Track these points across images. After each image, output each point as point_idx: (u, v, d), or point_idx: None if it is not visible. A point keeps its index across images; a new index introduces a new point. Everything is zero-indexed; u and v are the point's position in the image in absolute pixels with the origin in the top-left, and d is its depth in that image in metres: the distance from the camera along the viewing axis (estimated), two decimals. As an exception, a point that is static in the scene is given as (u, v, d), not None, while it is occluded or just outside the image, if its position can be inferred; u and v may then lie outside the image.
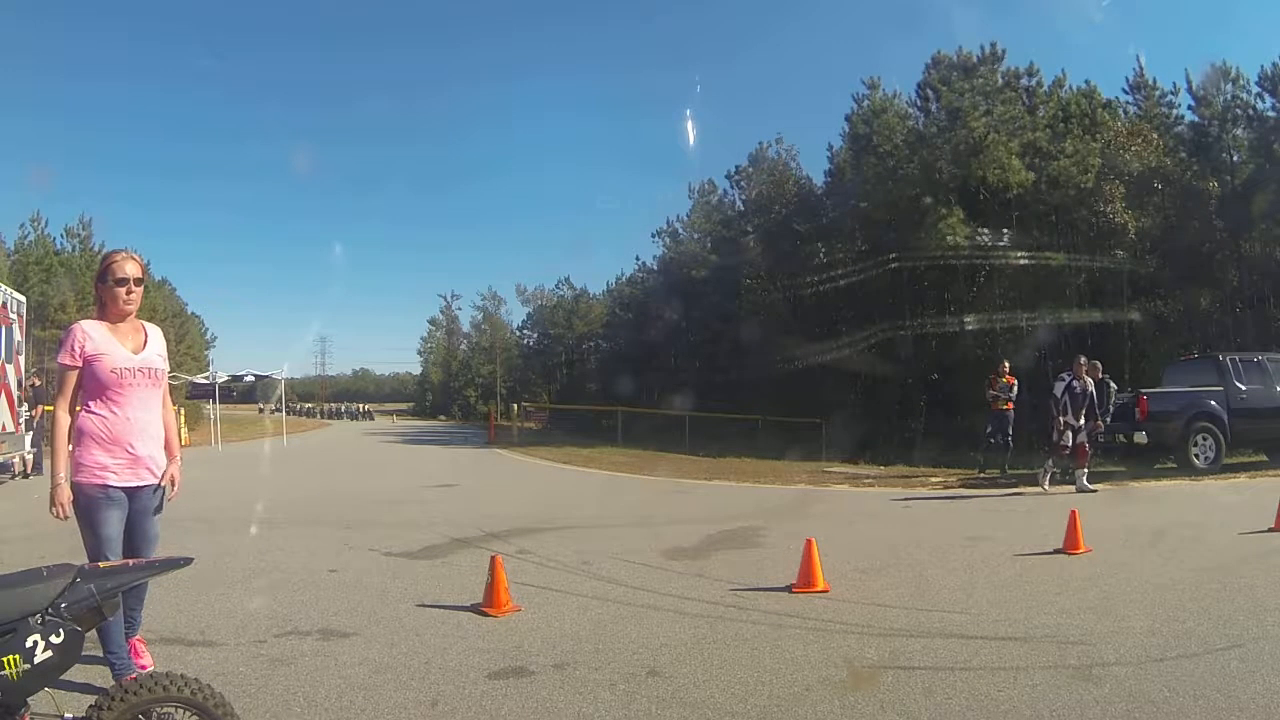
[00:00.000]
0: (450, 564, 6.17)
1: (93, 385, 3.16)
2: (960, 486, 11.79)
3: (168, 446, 3.37)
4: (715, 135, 57.28)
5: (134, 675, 2.95)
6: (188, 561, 2.82)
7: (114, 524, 3.14)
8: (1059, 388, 10.30)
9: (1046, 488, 10.22)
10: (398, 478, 14.25)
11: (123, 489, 3.16)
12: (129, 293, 3.21)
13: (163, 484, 3.29)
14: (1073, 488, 10.01)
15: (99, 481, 3.10)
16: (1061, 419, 10.07)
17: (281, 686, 3.41)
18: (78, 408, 3.20)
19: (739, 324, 26.44)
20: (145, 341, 3.28)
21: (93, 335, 3.17)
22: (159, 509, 3.31)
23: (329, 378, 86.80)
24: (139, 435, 3.19)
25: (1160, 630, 4.15)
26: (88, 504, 3.09)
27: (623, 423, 25.89)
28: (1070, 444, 10.13)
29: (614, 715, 3.17)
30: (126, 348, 3.20)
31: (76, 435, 3.15)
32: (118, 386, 3.15)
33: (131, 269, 3.22)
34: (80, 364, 3.13)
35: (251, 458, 18.74)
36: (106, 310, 3.24)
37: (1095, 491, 9.93)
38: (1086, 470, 10.22)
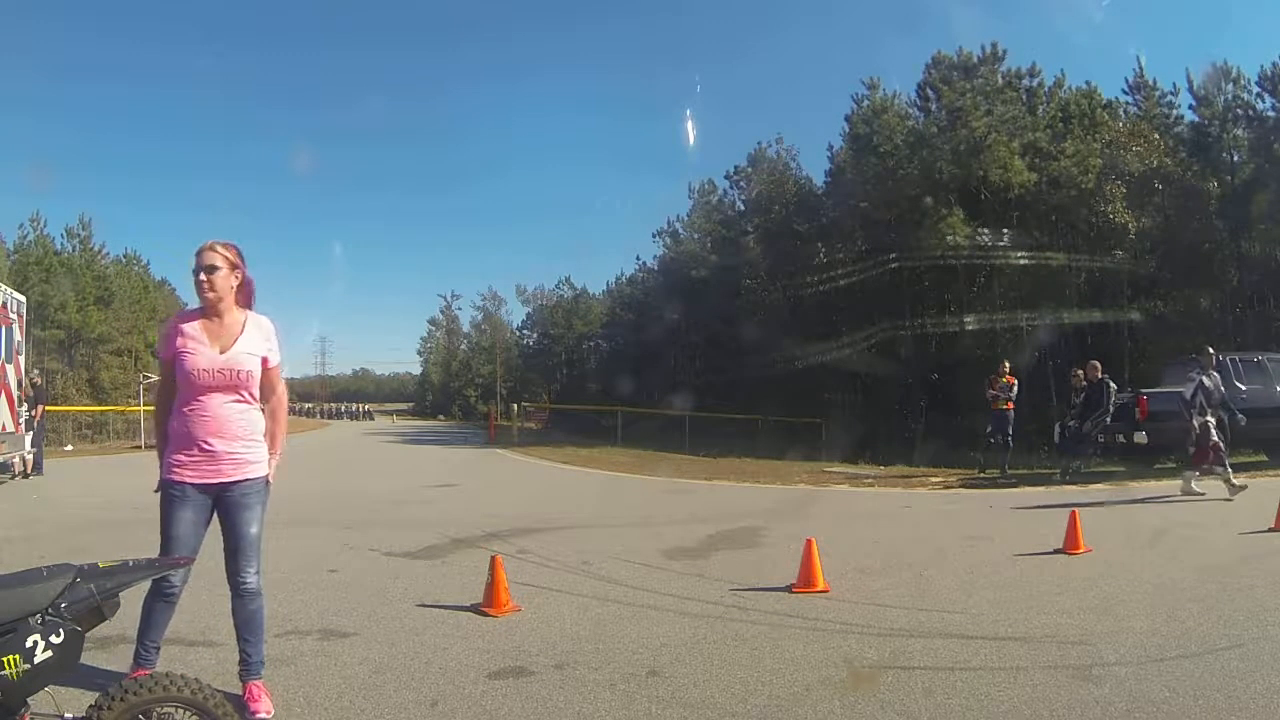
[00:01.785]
0: (450, 564, 6.17)
1: (178, 382, 3.16)
2: (960, 486, 11.79)
3: (271, 438, 3.31)
4: (715, 135, 57.51)
5: (138, 673, 2.95)
6: (188, 561, 2.82)
7: (183, 524, 3.08)
8: (1189, 389, 9.47)
9: (1194, 488, 9.30)
10: (398, 478, 14.24)
11: (199, 486, 3.08)
12: (204, 281, 3.14)
13: (260, 479, 3.19)
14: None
15: (173, 478, 3.09)
16: (1198, 420, 9.29)
17: (281, 686, 3.41)
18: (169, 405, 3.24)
19: (739, 324, 26.46)
20: (237, 339, 3.17)
21: (185, 330, 3.14)
22: (255, 507, 3.18)
23: (329, 378, 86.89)
24: (216, 432, 3.10)
25: (1160, 630, 4.15)
26: (163, 500, 3.11)
27: (623, 423, 25.88)
28: (1218, 441, 9.26)
29: (614, 715, 3.17)
30: (215, 346, 3.12)
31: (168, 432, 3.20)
32: (196, 386, 3.10)
33: (209, 257, 3.15)
34: (170, 358, 3.14)
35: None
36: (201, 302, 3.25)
37: (1203, 495, 9.10)
38: (1199, 473, 9.42)
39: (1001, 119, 21.84)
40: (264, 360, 3.21)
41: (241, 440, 3.15)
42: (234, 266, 3.19)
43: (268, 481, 3.24)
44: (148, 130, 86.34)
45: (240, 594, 3.19)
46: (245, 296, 3.29)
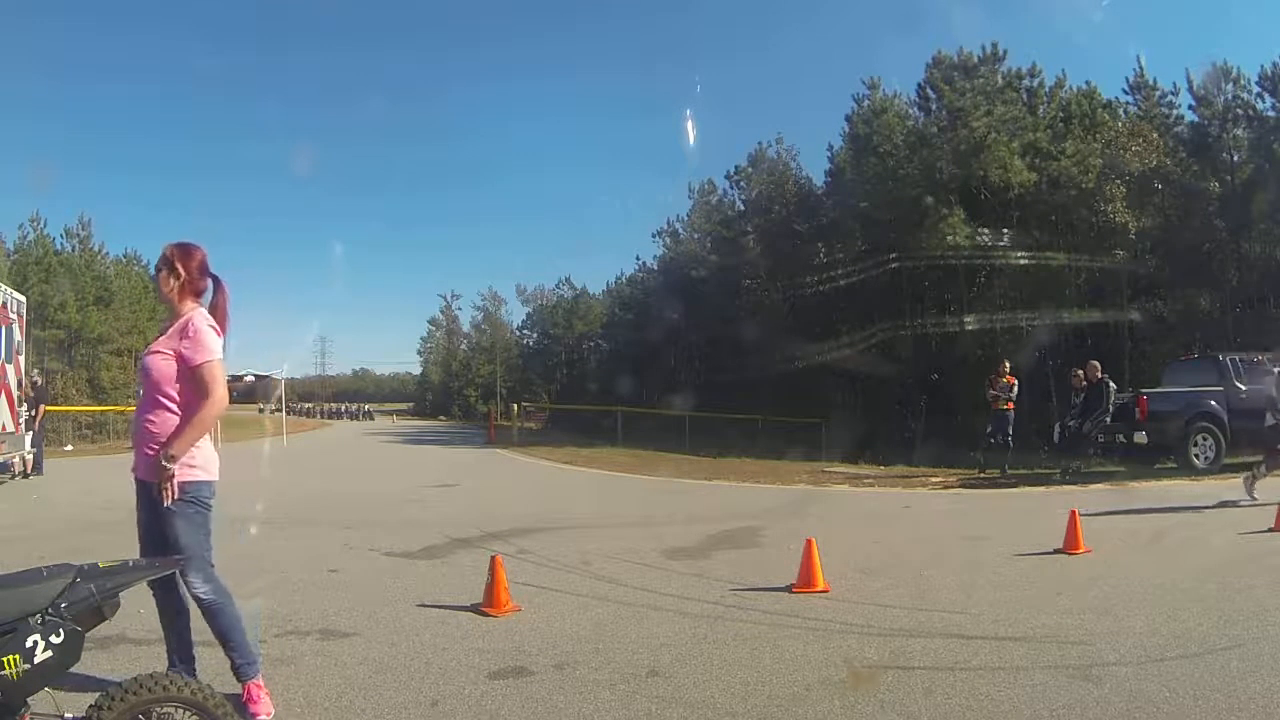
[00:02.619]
0: (450, 564, 6.18)
1: None
2: (960, 486, 11.79)
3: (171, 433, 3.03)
4: (715, 135, 57.42)
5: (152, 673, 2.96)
6: (188, 561, 2.82)
7: (141, 519, 3.16)
8: (1277, 384, 8.83)
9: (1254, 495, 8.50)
10: (398, 478, 14.25)
11: (139, 482, 3.14)
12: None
13: (158, 481, 2.98)
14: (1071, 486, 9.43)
15: None
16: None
17: (281, 686, 3.41)
18: None
19: (739, 324, 26.43)
20: (158, 339, 3.18)
21: None
22: (172, 516, 3.01)
23: (329, 378, 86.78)
24: (133, 431, 3.19)
25: (1160, 630, 4.15)
26: None
27: (623, 423, 25.87)
28: None
29: (614, 715, 3.17)
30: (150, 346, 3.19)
31: None
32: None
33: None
34: None
35: (251, 458, 18.73)
36: None
37: (1255, 500, 8.34)
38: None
39: (1002, 119, 21.81)
40: (179, 356, 3.04)
41: (146, 444, 3.06)
42: (171, 267, 3.15)
43: (179, 488, 3.01)
44: (148, 130, 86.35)
45: (195, 602, 3.12)
46: (215, 297, 3.22)
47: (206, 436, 3.14)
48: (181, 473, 3.02)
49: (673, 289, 32.71)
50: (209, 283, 3.23)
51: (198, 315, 3.13)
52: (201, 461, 3.10)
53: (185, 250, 3.20)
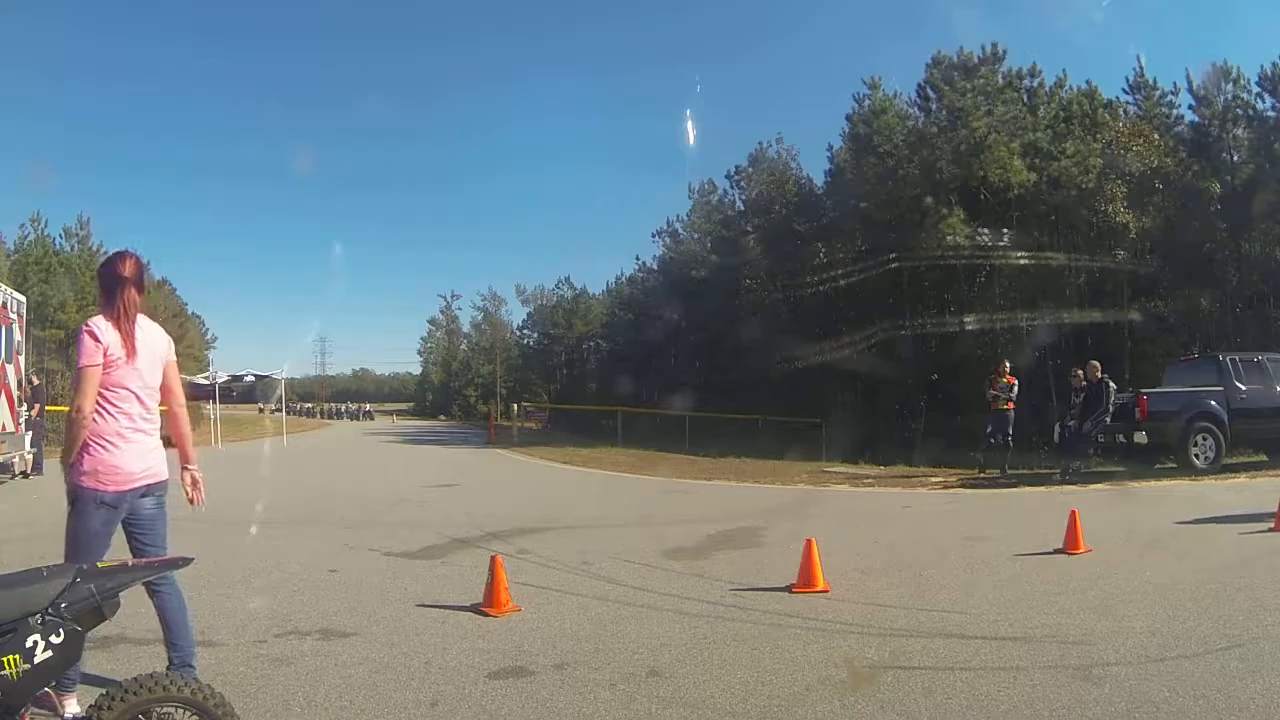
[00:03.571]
0: (450, 564, 6.18)
1: None
2: (960, 486, 11.78)
3: None
4: (715, 135, 57.58)
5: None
6: (187, 561, 2.82)
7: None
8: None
9: None
10: (398, 478, 14.24)
11: None
12: None
13: None
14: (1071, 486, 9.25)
15: None
16: None
17: (281, 686, 3.41)
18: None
19: (739, 324, 26.43)
20: None
21: None
22: None
23: (329, 378, 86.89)
24: None
25: (1160, 630, 4.15)
26: None
27: (623, 423, 25.89)
28: None
29: (614, 715, 3.17)
30: None
31: None
32: None
33: None
34: None
35: (251, 458, 18.72)
36: None
37: None
38: None
39: (1002, 119, 21.78)
40: None
41: None
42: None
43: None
44: (147, 130, 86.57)
45: None
46: (122, 299, 3.14)
47: (118, 446, 3.05)
48: (72, 474, 3.03)
49: (673, 289, 32.71)
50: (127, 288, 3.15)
51: (88, 322, 3.07)
52: (89, 468, 3.01)
53: (103, 266, 3.23)
